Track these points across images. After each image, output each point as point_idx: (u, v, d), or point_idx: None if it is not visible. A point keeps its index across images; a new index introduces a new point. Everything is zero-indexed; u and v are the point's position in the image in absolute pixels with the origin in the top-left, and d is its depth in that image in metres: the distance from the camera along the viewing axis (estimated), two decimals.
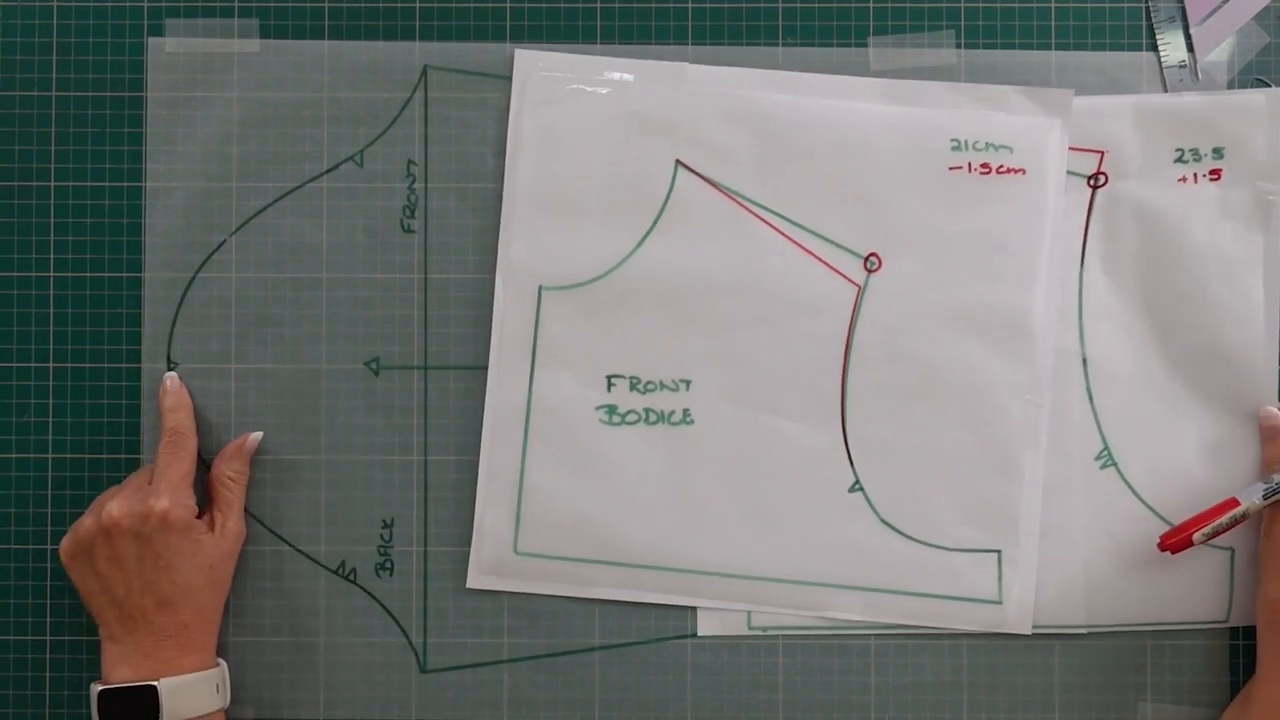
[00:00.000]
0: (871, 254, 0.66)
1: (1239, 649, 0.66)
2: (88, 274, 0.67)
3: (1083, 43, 0.67)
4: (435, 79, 0.67)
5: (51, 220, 0.67)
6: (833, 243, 0.66)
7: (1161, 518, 0.66)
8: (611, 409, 0.66)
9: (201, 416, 0.66)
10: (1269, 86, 0.66)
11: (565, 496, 0.66)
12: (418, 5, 0.67)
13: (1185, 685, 0.66)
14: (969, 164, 0.66)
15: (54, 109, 0.67)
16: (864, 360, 0.66)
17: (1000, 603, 0.66)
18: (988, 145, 0.66)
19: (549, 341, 0.66)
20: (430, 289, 0.67)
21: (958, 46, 0.67)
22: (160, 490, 0.61)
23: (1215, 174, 0.66)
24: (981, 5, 0.67)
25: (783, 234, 0.66)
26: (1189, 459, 0.66)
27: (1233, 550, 0.66)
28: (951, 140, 0.66)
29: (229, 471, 0.64)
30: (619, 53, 0.67)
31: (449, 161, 0.67)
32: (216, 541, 0.63)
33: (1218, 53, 0.67)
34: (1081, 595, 0.66)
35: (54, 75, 0.67)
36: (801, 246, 0.66)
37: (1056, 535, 0.66)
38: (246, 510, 0.66)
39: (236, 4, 0.67)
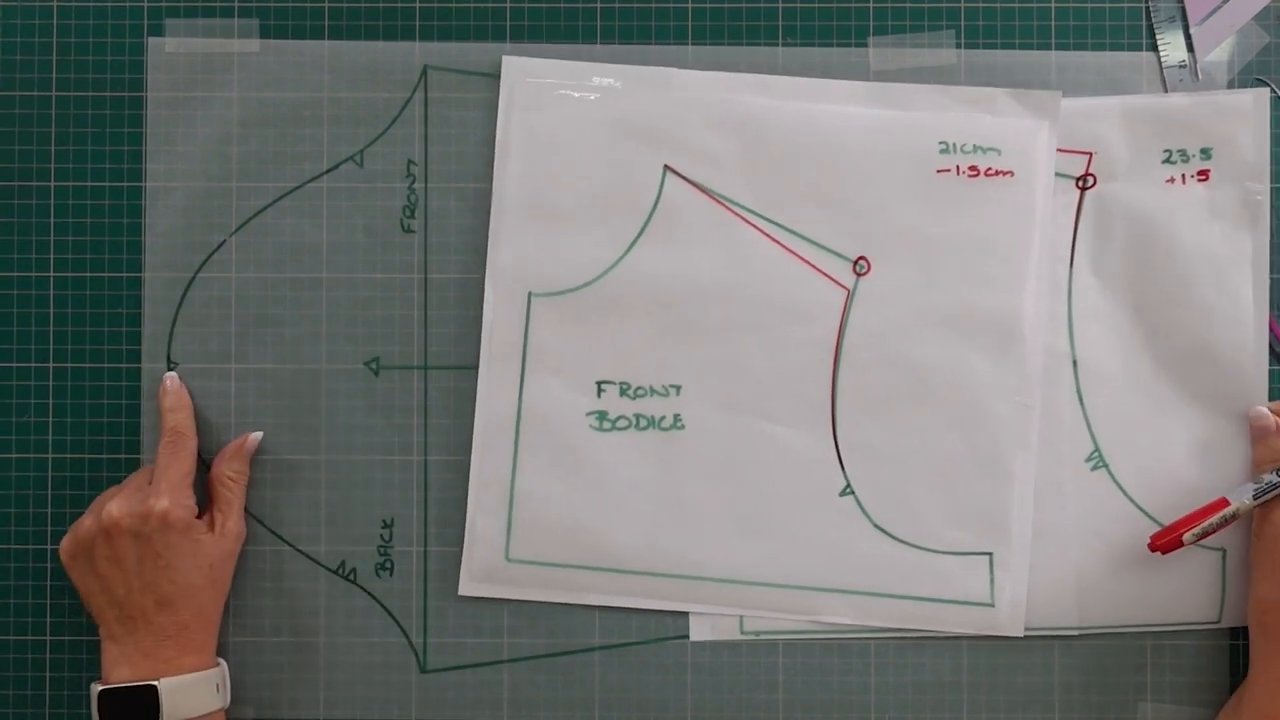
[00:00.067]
0: (860, 258, 0.66)
1: (1239, 649, 0.66)
2: (88, 274, 0.66)
3: (1083, 43, 0.67)
4: (435, 79, 0.67)
5: (51, 220, 0.66)
6: (821, 247, 0.66)
7: (1152, 518, 0.66)
8: (602, 415, 0.66)
9: (201, 416, 0.66)
10: (1269, 87, 0.66)
11: (556, 503, 0.66)
12: (417, 5, 0.67)
13: (1185, 685, 0.67)
14: (957, 166, 0.66)
15: (54, 109, 0.66)
16: (854, 364, 0.66)
17: (992, 605, 0.66)
18: (976, 148, 0.66)
19: (538, 348, 0.66)
20: (430, 289, 0.67)
21: (958, 47, 0.67)
22: (160, 490, 0.61)
23: (1203, 175, 0.66)
24: (981, 5, 0.67)
25: (771, 238, 0.66)
26: (1179, 460, 0.66)
27: (1224, 551, 0.66)
28: (939, 143, 0.66)
29: (229, 471, 0.64)
30: (611, 56, 0.67)
31: (449, 161, 0.67)
32: (216, 541, 0.63)
33: (1218, 53, 0.67)
34: (1073, 597, 0.66)
35: (54, 75, 0.67)
36: (790, 251, 0.66)
37: (1048, 537, 0.66)
38: (246, 510, 0.66)
39: (236, 4, 0.67)
